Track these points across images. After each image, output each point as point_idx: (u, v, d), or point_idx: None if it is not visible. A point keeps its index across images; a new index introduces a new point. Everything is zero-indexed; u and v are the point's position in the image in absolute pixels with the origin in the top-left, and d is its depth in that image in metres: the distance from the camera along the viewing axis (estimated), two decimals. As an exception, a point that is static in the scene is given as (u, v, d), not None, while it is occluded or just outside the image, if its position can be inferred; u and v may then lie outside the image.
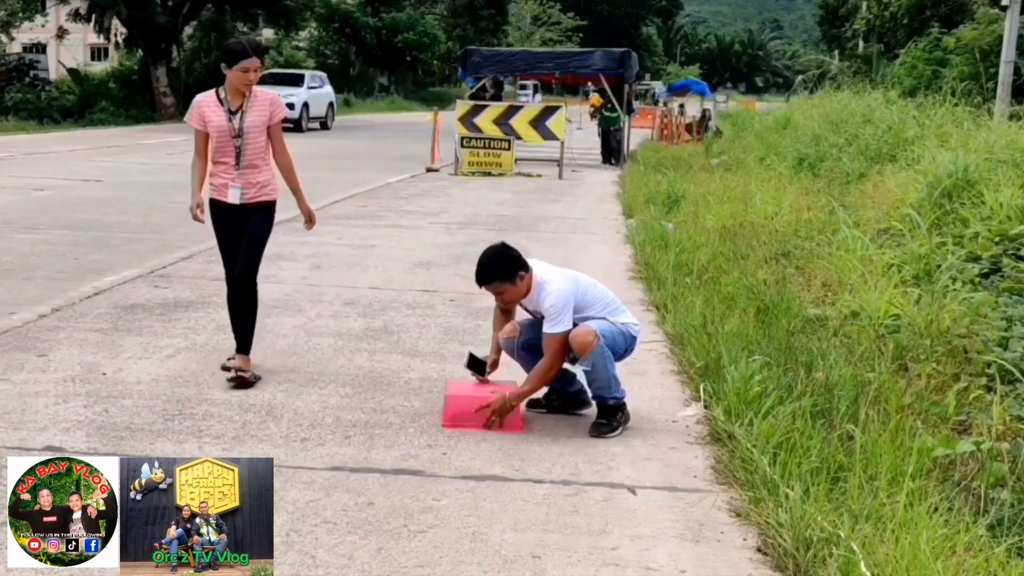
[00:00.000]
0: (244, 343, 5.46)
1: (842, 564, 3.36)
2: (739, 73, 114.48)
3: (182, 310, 6.96)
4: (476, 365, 5.09)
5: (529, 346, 5.04)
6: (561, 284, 4.81)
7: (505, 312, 5.14)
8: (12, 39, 40.28)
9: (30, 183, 14.42)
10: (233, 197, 5.35)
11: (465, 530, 3.72)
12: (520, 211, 13.58)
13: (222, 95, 5.31)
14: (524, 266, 4.82)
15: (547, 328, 4.80)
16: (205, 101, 5.33)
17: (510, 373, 5.26)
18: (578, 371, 4.95)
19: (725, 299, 7.16)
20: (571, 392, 5.09)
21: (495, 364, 5.12)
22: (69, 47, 51.50)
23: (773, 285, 7.60)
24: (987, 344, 5.72)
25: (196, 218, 5.42)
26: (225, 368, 5.40)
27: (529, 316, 5.12)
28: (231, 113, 5.28)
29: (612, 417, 4.88)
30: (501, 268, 4.81)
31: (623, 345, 4.94)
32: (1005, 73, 17.04)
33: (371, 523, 3.74)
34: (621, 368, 5.19)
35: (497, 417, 4.82)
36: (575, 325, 4.85)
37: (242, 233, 5.40)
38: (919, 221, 8.59)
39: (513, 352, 5.12)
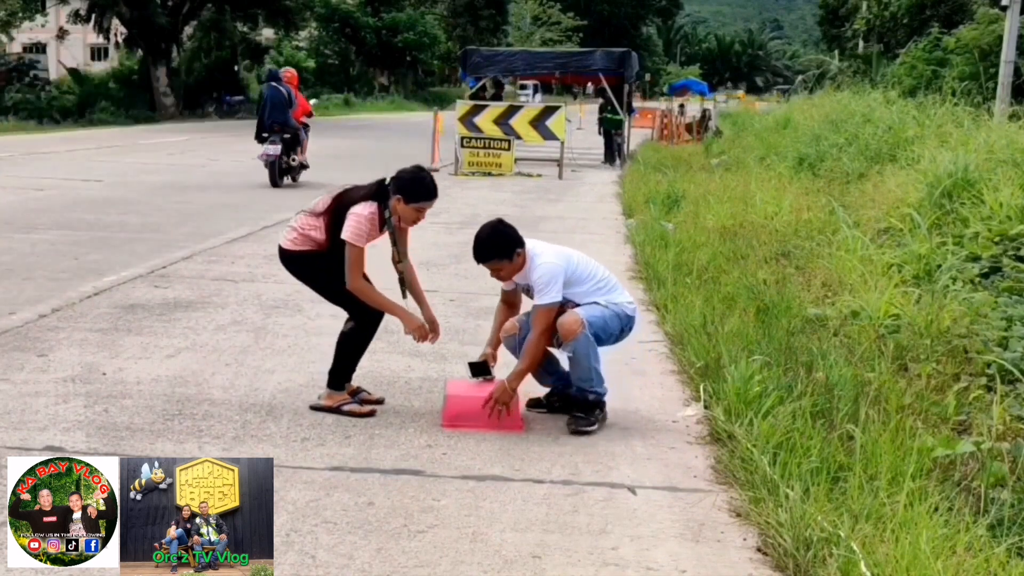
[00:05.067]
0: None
1: (842, 564, 3.36)
2: (739, 73, 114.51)
3: (182, 310, 6.96)
4: (479, 369, 5.08)
5: None
6: (552, 258, 4.82)
7: (508, 304, 5.13)
8: (12, 39, 40.30)
9: (30, 183, 14.42)
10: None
11: (465, 530, 3.72)
12: (520, 211, 13.57)
13: (386, 215, 4.82)
14: (520, 242, 4.82)
15: (536, 300, 4.82)
16: (373, 225, 4.82)
17: (509, 370, 5.24)
18: (561, 357, 4.95)
19: (725, 299, 7.16)
20: (571, 394, 5.09)
21: (493, 358, 5.11)
22: (69, 47, 51.52)
23: (773, 285, 7.61)
24: (987, 344, 5.72)
25: (425, 339, 4.96)
26: (366, 409, 5.01)
27: (528, 314, 5.12)
28: (392, 236, 4.92)
29: (591, 412, 4.88)
30: (498, 245, 4.80)
31: (617, 327, 4.92)
32: (1005, 73, 17.05)
33: (371, 523, 3.75)
34: (621, 368, 5.20)
35: (502, 406, 4.79)
36: (566, 303, 4.84)
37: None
38: (919, 221, 8.60)
39: (515, 349, 5.12)
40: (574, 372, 4.87)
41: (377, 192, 4.85)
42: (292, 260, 5.03)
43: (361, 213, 4.77)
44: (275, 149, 14.51)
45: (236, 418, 4.85)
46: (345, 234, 4.76)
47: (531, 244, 4.88)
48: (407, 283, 5.09)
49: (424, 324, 4.97)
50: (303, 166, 15.33)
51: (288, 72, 15.72)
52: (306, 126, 15.48)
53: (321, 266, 4.96)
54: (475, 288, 8.09)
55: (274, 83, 14.97)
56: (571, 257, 4.93)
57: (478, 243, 4.83)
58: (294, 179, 15.20)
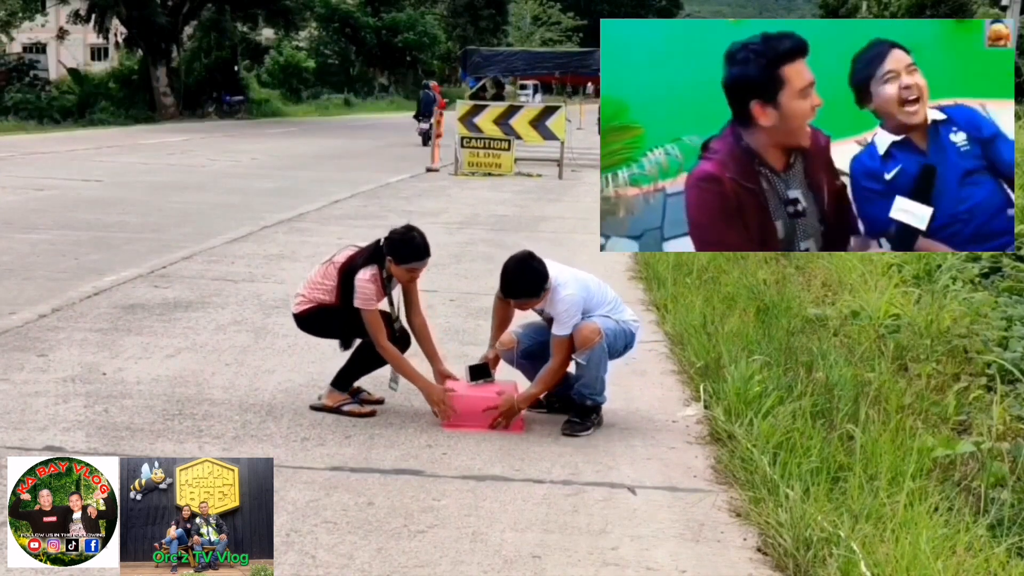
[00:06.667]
0: None
1: (842, 564, 3.36)
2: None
3: (182, 310, 6.96)
4: (478, 372, 5.07)
5: (528, 354, 5.04)
6: (574, 290, 4.83)
7: (504, 302, 5.12)
8: (12, 39, 40.32)
9: (30, 183, 14.43)
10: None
11: (465, 530, 3.72)
12: (520, 211, 13.58)
13: (383, 276, 4.92)
14: (547, 276, 4.81)
15: (556, 330, 4.82)
16: (378, 286, 4.89)
17: (511, 373, 5.27)
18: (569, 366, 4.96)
19: (725, 299, 7.16)
20: (571, 395, 5.09)
21: (496, 360, 5.12)
22: (69, 47, 51.54)
23: (773, 285, 7.61)
24: (987, 344, 5.72)
25: (449, 414, 4.88)
26: (366, 409, 5.06)
27: (524, 324, 5.14)
28: (390, 298, 5.03)
29: (586, 417, 4.89)
30: (528, 285, 4.79)
31: (623, 343, 4.96)
32: (1005, 73, 17.03)
33: (371, 523, 3.75)
34: (621, 367, 5.20)
35: (504, 419, 4.83)
36: None
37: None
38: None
39: (513, 362, 5.12)
40: (581, 379, 4.88)
41: (374, 254, 4.95)
42: (305, 320, 5.13)
43: (363, 278, 4.88)
44: (427, 125, 23.20)
45: (236, 418, 4.85)
46: (357, 303, 4.87)
47: (553, 272, 4.86)
48: (420, 340, 5.15)
49: (449, 400, 4.91)
50: (439, 135, 22.63)
51: (434, 83, 26.44)
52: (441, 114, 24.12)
53: (327, 316, 5.04)
54: (475, 288, 8.10)
55: (426, 89, 24.93)
56: (588, 285, 4.95)
57: (507, 280, 4.83)
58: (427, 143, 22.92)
